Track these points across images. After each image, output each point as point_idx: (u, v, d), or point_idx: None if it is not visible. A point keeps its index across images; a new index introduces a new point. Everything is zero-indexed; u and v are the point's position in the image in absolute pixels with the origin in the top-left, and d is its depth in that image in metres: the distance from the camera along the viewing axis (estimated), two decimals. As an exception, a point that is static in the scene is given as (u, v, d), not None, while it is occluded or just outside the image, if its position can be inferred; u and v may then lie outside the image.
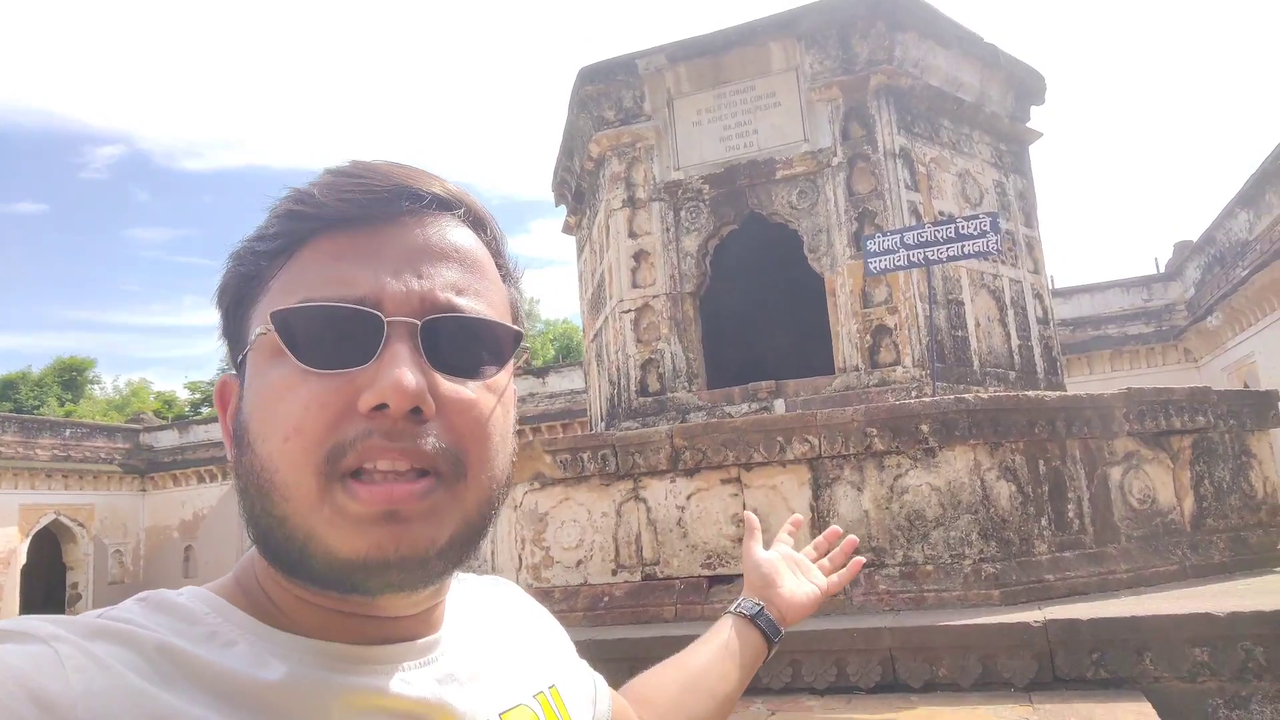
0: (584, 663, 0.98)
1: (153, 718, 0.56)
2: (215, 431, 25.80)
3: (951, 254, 5.40)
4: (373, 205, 0.67)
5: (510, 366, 0.72)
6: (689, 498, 5.29)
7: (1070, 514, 5.02)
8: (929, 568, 4.78)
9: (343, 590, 0.64)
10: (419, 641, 0.71)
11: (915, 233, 5.53)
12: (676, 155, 6.92)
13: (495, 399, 0.69)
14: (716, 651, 1.13)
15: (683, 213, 6.87)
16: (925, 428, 4.84)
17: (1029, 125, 7.53)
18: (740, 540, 5.29)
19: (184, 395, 37.44)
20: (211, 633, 0.63)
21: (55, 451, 23.28)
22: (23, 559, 22.13)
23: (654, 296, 6.83)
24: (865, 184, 6.38)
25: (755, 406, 6.40)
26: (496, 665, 0.79)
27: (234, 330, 0.71)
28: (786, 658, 4.35)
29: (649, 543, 5.31)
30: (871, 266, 5.67)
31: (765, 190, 6.66)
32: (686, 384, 6.74)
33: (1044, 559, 4.84)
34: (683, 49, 6.78)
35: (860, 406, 5.09)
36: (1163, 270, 20.36)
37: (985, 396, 4.87)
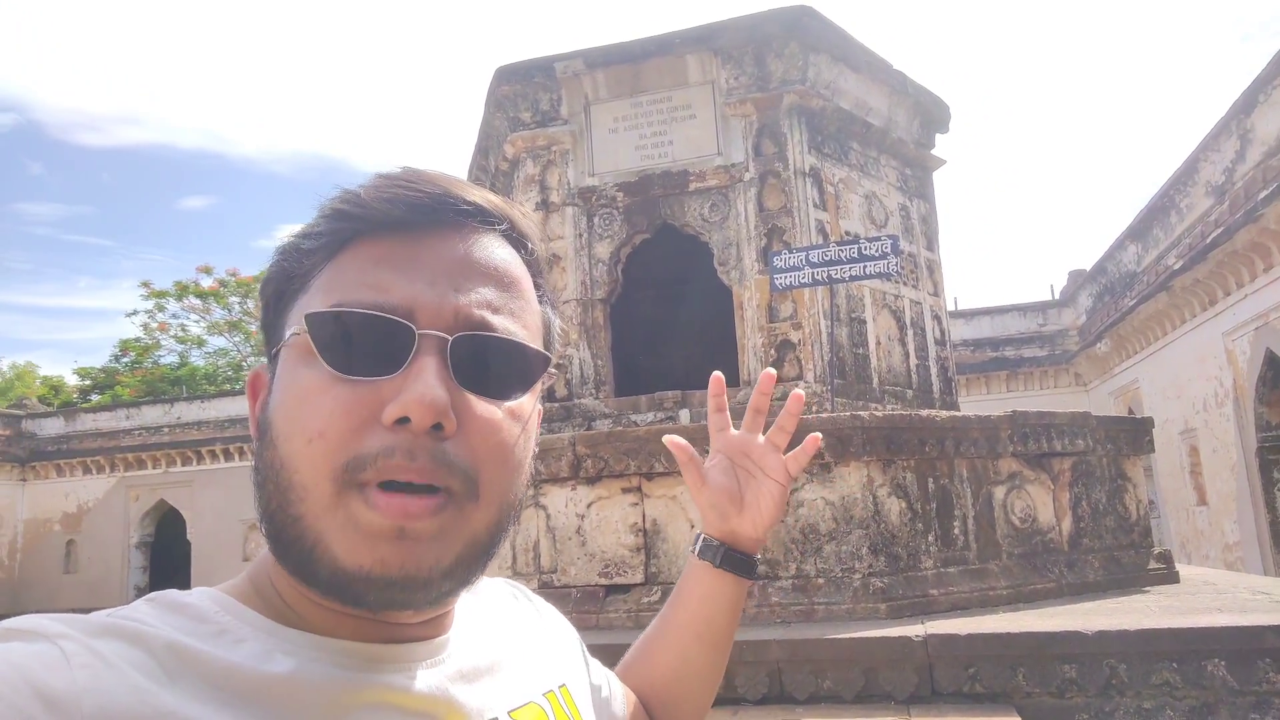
0: (597, 661, 0.98)
1: (158, 714, 0.56)
2: (105, 420, 24.59)
3: (854, 273, 5.53)
4: (417, 211, 0.67)
5: (537, 390, 0.72)
6: (589, 506, 5.27)
7: (956, 531, 5.18)
8: (820, 581, 4.87)
9: (345, 601, 0.64)
10: (430, 641, 0.71)
11: (820, 251, 5.64)
12: (592, 161, 6.90)
13: (518, 423, 0.69)
14: (692, 607, 1.05)
15: (596, 219, 6.86)
16: (822, 443, 4.92)
17: (933, 152, 7.78)
18: (639, 549, 5.33)
19: (73, 381, 35.54)
20: (220, 631, 0.63)
21: (-77, 436, 21.81)
22: (-120, 550, 20.65)
23: (565, 302, 6.79)
24: (775, 200, 6.48)
25: (661, 416, 6.42)
26: (506, 664, 0.79)
27: (273, 324, 0.71)
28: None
29: (547, 550, 5.27)
30: (777, 282, 5.76)
31: (679, 201, 6.71)
32: (594, 391, 6.72)
33: (929, 574, 4.99)
34: (602, 55, 6.77)
35: (760, 420, 5.16)
36: (1057, 297, 21.37)
37: (880, 414, 4.99)
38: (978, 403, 19.47)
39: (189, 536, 22.54)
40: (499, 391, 0.67)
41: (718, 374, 1.10)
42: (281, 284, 0.71)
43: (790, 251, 5.79)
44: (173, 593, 0.67)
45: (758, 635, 4.47)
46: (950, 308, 21.67)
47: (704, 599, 1.05)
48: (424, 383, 0.62)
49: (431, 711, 0.68)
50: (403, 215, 0.67)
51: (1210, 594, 5.13)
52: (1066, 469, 5.69)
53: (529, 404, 0.71)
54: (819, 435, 1.06)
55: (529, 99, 7.02)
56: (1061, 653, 3.98)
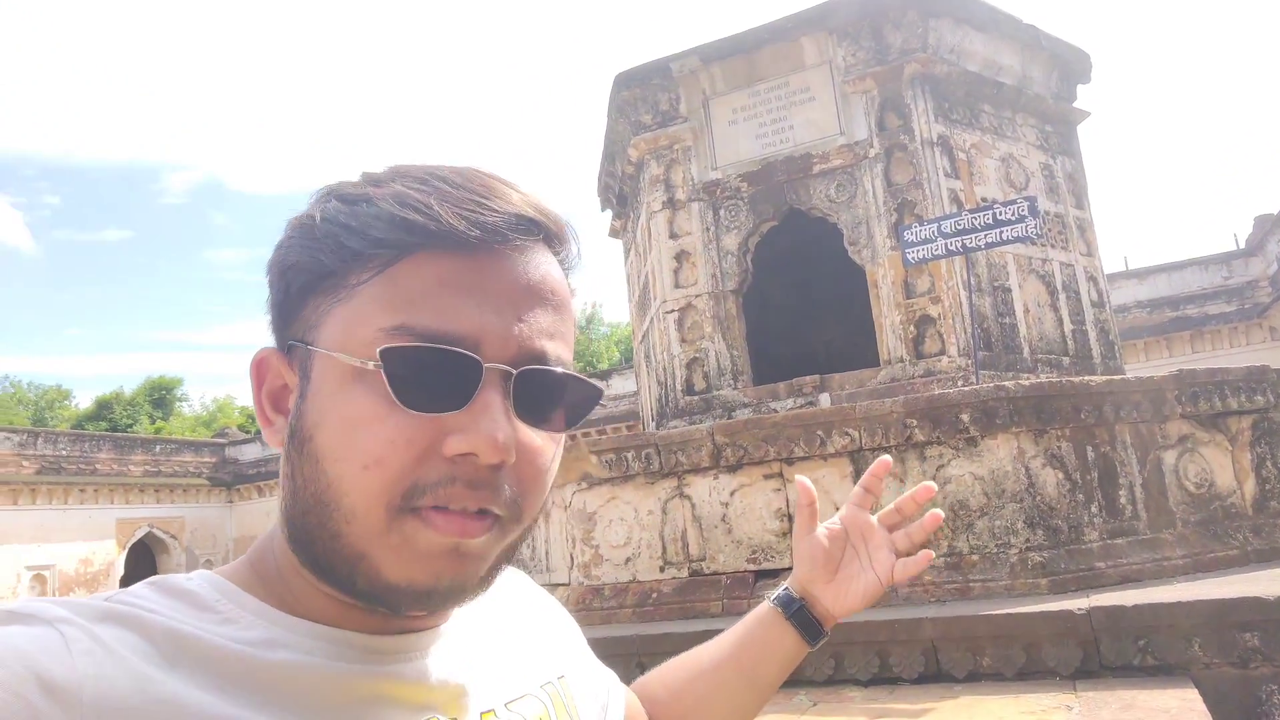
0: (596, 660, 0.97)
1: (158, 701, 0.56)
2: (294, 443, 26.71)
3: (990, 240, 5.33)
4: (491, 232, 0.64)
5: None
6: (732, 494, 5.35)
7: (1122, 500, 4.91)
8: (974, 557, 4.74)
9: (377, 606, 0.64)
10: (428, 632, 0.72)
11: (952, 221, 5.48)
12: (714, 155, 6.97)
13: (556, 447, 0.69)
14: (738, 648, 1.04)
15: (722, 211, 6.92)
16: (965, 417, 4.80)
17: (1076, 105, 7.36)
18: (786, 534, 5.34)
19: (267, 410, 38.80)
20: (222, 619, 0.64)
21: (147, 467, 24.47)
22: (121, 570, 23.31)
23: (696, 296, 6.89)
24: (903, 174, 6.33)
25: (800, 401, 6.41)
26: (504, 655, 0.79)
27: (292, 312, 0.68)
28: (829, 649, 4.37)
29: (694, 539, 5.38)
30: (909, 257, 5.64)
31: (803, 185, 6.67)
32: (732, 381, 6.78)
33: (1095, 546, 4.75)
34: (715, 49, 6.83)
35: (899, 398, 5.08)
36: (1243, 246, 19.55)
37: (1026, 384, 4.81)
38: (1159, 367, 18.03)
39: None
40: (549, 421, 0.67)
41: (886, 459, 1.06)
42: (313, 276, 0.66)
43: (921, 224, 5.66)
44: (175, 577, 0.67)
45: (911, 614, 4.41)
46: (1121, 267, 20.30)
47: (762, 642, 1.03)
48: (492, 420, 0.61)
49: (430, 702, 0.69)
50: (476, 235, 0.64)
51: None
52: (1246, 428, 5.27)
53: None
54: (931, 554, 1.04)
55: (649, 101, 7.17)
56: (1242, 620, 3.72)
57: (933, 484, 1.05)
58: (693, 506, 5.40)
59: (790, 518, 5.17)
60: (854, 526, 1.05)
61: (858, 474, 5.05)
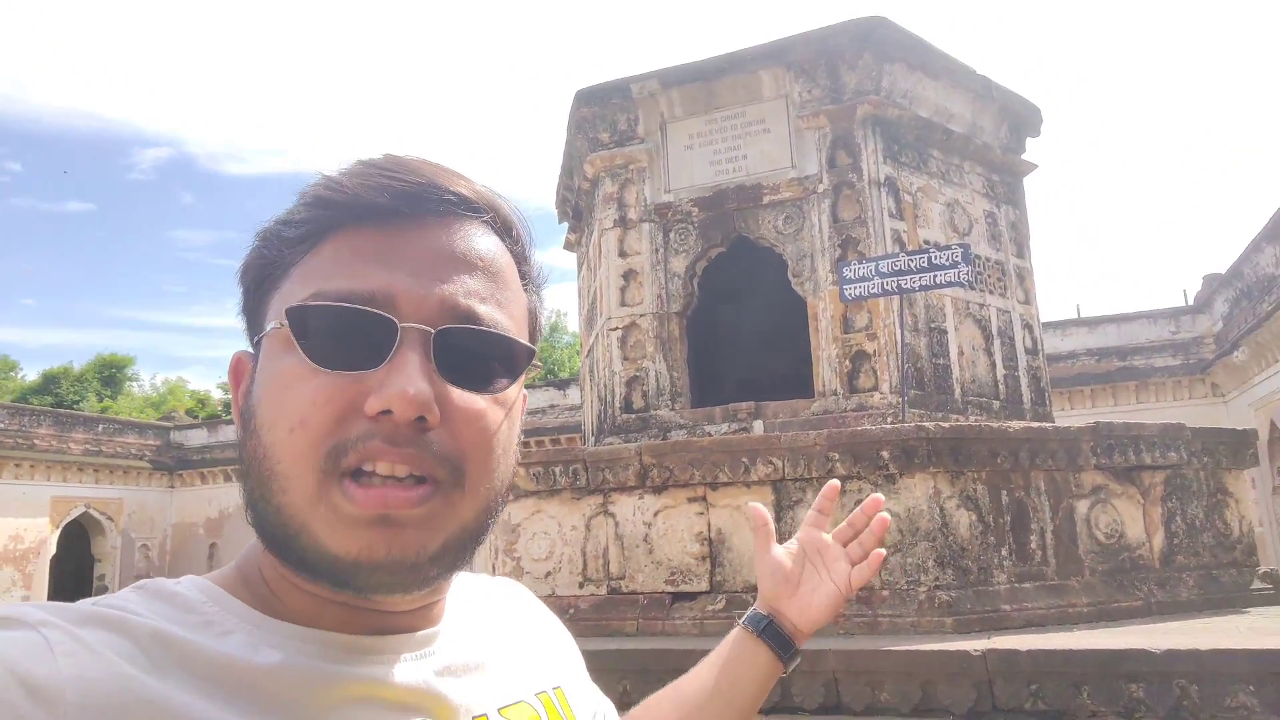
0: (593, 683, 0.97)
1: (142, 703, 0.56)
2: (243, 433, 26.31)
3: (924, 283, 5.46)
4: (400, 201, 0.66)
5: (521, 379, 0.72)
6: (656, 514, 5.38)
7: (1033, 545, 5.03)
8: (885, 593, 4.82)
9: (333, 584, 0.65)
10: (417, 634, 0.71)
11: (889, 261, 5.60)
12: (668, 178, 7.05)
13: (503, 411, 0.69)
14: (718, 672, 1.07)
15: (672, 234, 6.99)
16: (886, 454, 4.89)
17: (1024, 157, 7.55)
18: (705, 558, 5.40)
19: (218, 395, 38.24)
20: (207, 621, 0.64)
21: (87, 446, 23.91)
22: (53, 549, 22.72)
23: (641, 315, 6.95)
24: (850, 211, 6.45)
25: (735, 426, 6.48)
26: (498, 661, 0.79)
27: (253, 310, 0.71)
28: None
29: (615, 557, 5.41)
30: (846, 293, 5.74)
31: (753, 214, 6.77)
32: (670, 402, 6.84)
33: (1002, 589, 4.86)
34: (676, 74, 6.92)
35: (824, 431, 5.16)
36: (1191, 302, 20.07)
37: (946, 425, 4.91)
38: (1104, 415, 18.47)
39: (318, 542, 23.80)
40: (483, 383, 0.67)
41: (834, 483, 1.17)
42: (261, 271, 0.70)
43: (859, 262, 5.77)
44: (161, 580, 0.67)
45: (816, 645, 4.47)
46: (1073, 314, 20.71)
47: (737, 662, 1.06)
48: (406, 376, 0.62)
49: (417, 705, 0.68)
50: (387, 204, 0.66)
51: (1317, 617, 4.80)
52: (1159, 483, 5.43)
53: (513, 392, 0.71)
54: (883, 553, 1.12)
55: (607, 120, 7.24)
56: (1128, 671, 3.82)
57: (880, 495, 1.15)
58: (616, 525, 5.43)
59: (711, 542, 5.22)
60: (810, 544, 1.12)
61: (779, 503, 5.12)
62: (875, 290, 5.61)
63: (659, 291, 6.91)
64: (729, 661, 1.07)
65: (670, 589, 5.27)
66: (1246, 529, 5.65)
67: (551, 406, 23.74)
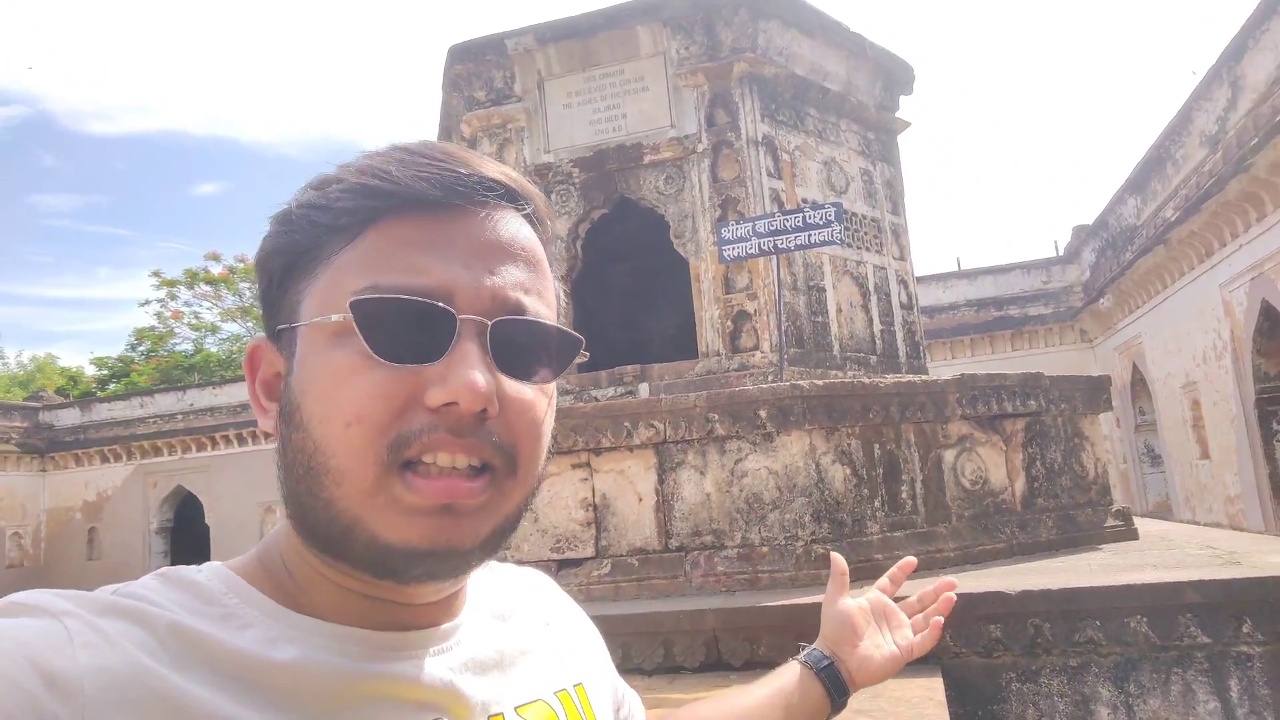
0: (619, 676, 0.98)
1: (160, 696, 0.56)
2: (119, 409, 25.00)
3: (799, 243, 5.52)
4: (449, 191, 0.66)
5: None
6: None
7: (903, 495, 5.21)
8: (765, 549, 4.92)
9: (377, 574, 0.65)
10: (438, 628, 0.71)
11: (766, 221, 5.63)
12: (547, 137, 6.90)
13: (546, 400, 0.71)
14: (770, 697, 1.09)
15: (553, 196, 6.86)
16: (763, 413, 4.96)
17: (898, 115, 7.69)
18: (590, 524, 5.40)
19: (91, 371, 36.12)
20: (227, 614, 0.63)
21: (-55, 431, 22.31)
22: (-91, 543, 21.23)
23: (523, 280, 6.82)
24: (729, 171, 6.46)
25: (621, 390, 6.47)
26: (518, 657, 0.78)
27: (277, 298, 0.70)
28: (618, 640, 4.45)
29: (500, 527, 5.35)
30: (725, 254, 5.76)
31: (634, 175, 6.70)
32: (555, 367, 6.76)
33: (875, 539, 5.03)
34: (552, 30, 6.74)
35: (703, 393, 5.20)
36: (1061, 253, 21.11)
37: (820, 383, 5.01)
38: (983, 363, 19.36)
39: (207, 520, 22.98)
40: (532, 373, 0.68)
41: (911, 560, 1.28)
42: (290, 257, 0.69)
43: (737, 223, 5.79)
44: (183, 570, 0.67)
45: (698, 605, 4.55)
46: (954, 267, 21.50)
47: (792, 690, 1.09)
48: (471, 368, 0.62)
49: (435, 703, 0.68)
50: (437, 194, 0.66)
51: (1160, 550, 5.14)
52: (1019, 430, 5.69)
53: (554, 383, 0.73)
54: (940, 621, 1.18)
55: (483, 77, 7.02)
56: (987, 613, 4.02)
57: (954, 579, 1.24)
58: (499, 494, 5.37)
59: (595, 507, 5.22)
60: (879, 607, 1.20)
61: (661, 465, 5.15)
62: (753, 250, 5.65)
63: (541, 255, 6.79)
64: (785, 691, 1.09)
65: (556, 556, 5.25)
66: (1101, 470, 5.99)
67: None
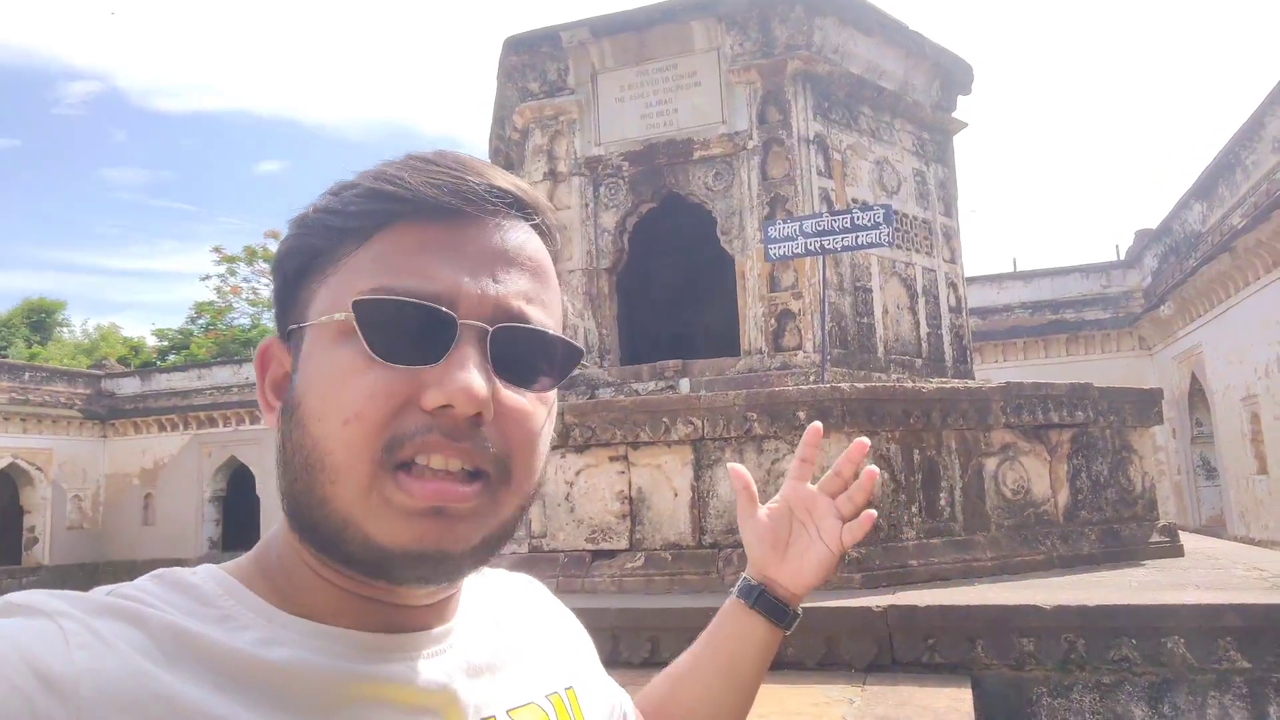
0: (610, 679, 0.97)
1: (155, 698, 0.56)
2: (178, 380, 25.75)
3: (846, 244, 5.49)
4: (461, 199, 0.67)
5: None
6: (578, 473, 5.41)
7: (942, 502, 5.17)
8: (798, 550, 4.92)
9: (371, 574, 0.66)
10: (431, 631, 0.72)
11: (813, 221, 5.61)
12: (598, 130, 6.94)
13: (545, 410, 0.71)
14: (713, 651, 1.06)
15: (602, 189, 6.91)
16: (802, 414, 4.95)
17: (954, 115, 7.57)
18: (625, 516, 5.45)
19: (152, 342, 37.25)
20: (223, 615, 0.64)
21: (13, 395, 23.18)
22: (-22, 501, 22.16)
23: (570, 271, 6.88)
24: (779, 169, 6.43)
25: (662, 384, 6.50)
26: (510, 661, 0.79)
27: (290, 298, 0.71)
28: (646, 634, 4.50)
29: (537, 515, 5.43)
30: (771, 252, 5.75)
31: (683, 170, 6.71)
32: (598, 359, 6.83)
33: (911, 545, 5.00)
34: (606, 24, 6.77)
35: (742, 391, 5.21)
36: (1123, 258, 20.56)
37: (861, 386, 4.99)
38: (1037, 368, 18.97)
39: (258, 492, 23.57)
40: (531, 381, 0.69)
41: (816, 425, 1.07)
42: (305, 259, 0.70)
43: (784, 221, 5.77)
44: (179, 571, 0.67)
45: (721, 603, 4.57)
46: (1009, 268, 21.08)
47: (733, 637, 1.04)
48: (468, 372, 0.63)
49: (428, 705, 0.68)
50: (449, 202, 0.67)
51: (1205, 569, 5.04)
52: (1065, 440, 5.60)
53: (554, 392, 0.73)
54: (873, 514, 1.04)
55: (537, 69, 7.07)
56: (1020, 626, 3.98)
57: (865, 439, 1.06)
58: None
59: (631, 500, 5.27)
60: (796, 500, 1.05)
61: (698, 461, 5.18)
62: (799, 250, 5.63)
63: (589, 247, 6.85)
64: (726, 637, 1.05)
65: (591, 547, 5.32)
66: (1149, 485, 5.87)
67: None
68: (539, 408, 0.70)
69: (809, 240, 5.59)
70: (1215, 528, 15.10)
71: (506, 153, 8.28)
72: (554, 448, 5.40)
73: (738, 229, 6.53)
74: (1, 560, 23.04)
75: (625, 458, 5.33)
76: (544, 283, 0.72)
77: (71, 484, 24.61)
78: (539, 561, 5.34)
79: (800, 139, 6.39)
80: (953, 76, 7.50)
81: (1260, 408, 13.68)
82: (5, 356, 30.36)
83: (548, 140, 7.03)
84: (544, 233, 0.74)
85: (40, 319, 40.58)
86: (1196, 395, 16.97)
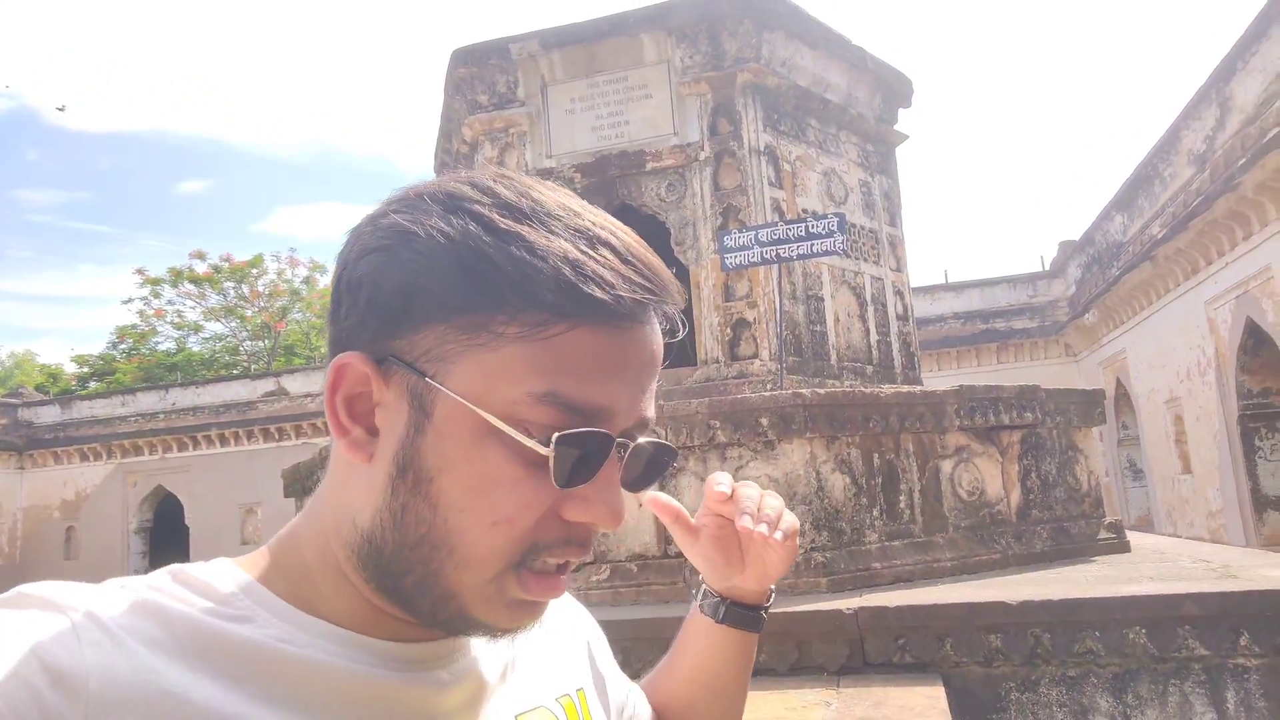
0: (621, 673, 0.96)
1: (166, 695, 0.55)
2: (100, 407, 24.72)
3: (801, 252, 5.55)
4: (643, 309, 0.64)
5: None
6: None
7: (901, 504, 5.25)
8: (764, 556, 4.93)
9: (434, 627, 0.66)
10: (444, 641, 0.71)
11: (768, 230, 5.67)
12: (549, 143, 6.92)
13: None
14: (688, 672, 1.01)
15: (554, 201, 6.87)
16: (765, 421, 4.98)
17: (896, 128, 7.76)
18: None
19: (71, 369, 35.71)
20: (239, 613, 0.63)
21: (-80, 426, 21.98)
22: (-117, 540, 20.89)
23: (523, 284, 6.82)
24: (731, 179, 6.49)
25: (619, 396, 6.47)
26: (520, 665, 0.78)
27: (400, 325, 0.63)
28: (619, 645, 4.42)
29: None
30: (727, 262, 5.79)
31: (636, 181, 6.72)
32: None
33: (873, 548, 5.05)
34: (556, 35, 6.76)
35: (705, 400, 5.21)
36: (1048, 268, 21.31)
37: (822, 392, 5.04)
38: (968, 375, 19.48)
39: (187, 521, 22.76)
40: (640, 489, 0.70)
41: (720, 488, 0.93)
42: (445, 307, 0.62)
43: (739, 231, 5.82)
44: (194, 567, 0.65)
45: (698, 610, 4.55)
46: (941, 279, 21.66)
47: (708, 649, 0.99)
48: (614, 494, 0.64)
49: (440, 712, 0.69)
50: (637, 310, 0.63)
51: (1154, 563, 5.20)
52: (1015, 442, 5.74)
53: None
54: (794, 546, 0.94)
55: (486, 81, 7.02)
56: (987, 623, 4.05)
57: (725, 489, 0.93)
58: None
59: (595, 512, 5.21)
60: (722, 524, 0.95)
61: (662, 472, 5.15)
62: (755, 259, 5.68)
63: (541, 259, 6.80)
64: (706, 649, 0.98)
65: (554, 560, 5.24)
66: (1094, 483, 6.05)
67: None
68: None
69: (764, 249, 5.64)
70: (1144, 527, 15.67)
71: (452, 165, 8.19)
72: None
73: (691, 239, 6.56)
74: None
75: (587, 469, 5.28)
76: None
77: (-14, 518, 23.41)
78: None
79: (751, 150, 6.46)
80: (894, 90, 7.69)
81: (1183, 409, 14.27)
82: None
83: (498, 153, 6.98)
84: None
85: (-52, 346, 38.59)
86: (1122, 399, 17.64)
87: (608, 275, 0.62)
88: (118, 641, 0.56)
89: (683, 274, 7.12)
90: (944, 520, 5.37)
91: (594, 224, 0.66)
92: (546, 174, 6.89)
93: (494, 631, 0.66)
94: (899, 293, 7.47)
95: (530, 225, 0.63)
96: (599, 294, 0.61)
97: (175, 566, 0.66)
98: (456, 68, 7.07)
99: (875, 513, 5.12)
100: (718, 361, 6.41)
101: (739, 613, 0.97)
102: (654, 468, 0.69)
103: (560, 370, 0.61)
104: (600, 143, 6.80)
